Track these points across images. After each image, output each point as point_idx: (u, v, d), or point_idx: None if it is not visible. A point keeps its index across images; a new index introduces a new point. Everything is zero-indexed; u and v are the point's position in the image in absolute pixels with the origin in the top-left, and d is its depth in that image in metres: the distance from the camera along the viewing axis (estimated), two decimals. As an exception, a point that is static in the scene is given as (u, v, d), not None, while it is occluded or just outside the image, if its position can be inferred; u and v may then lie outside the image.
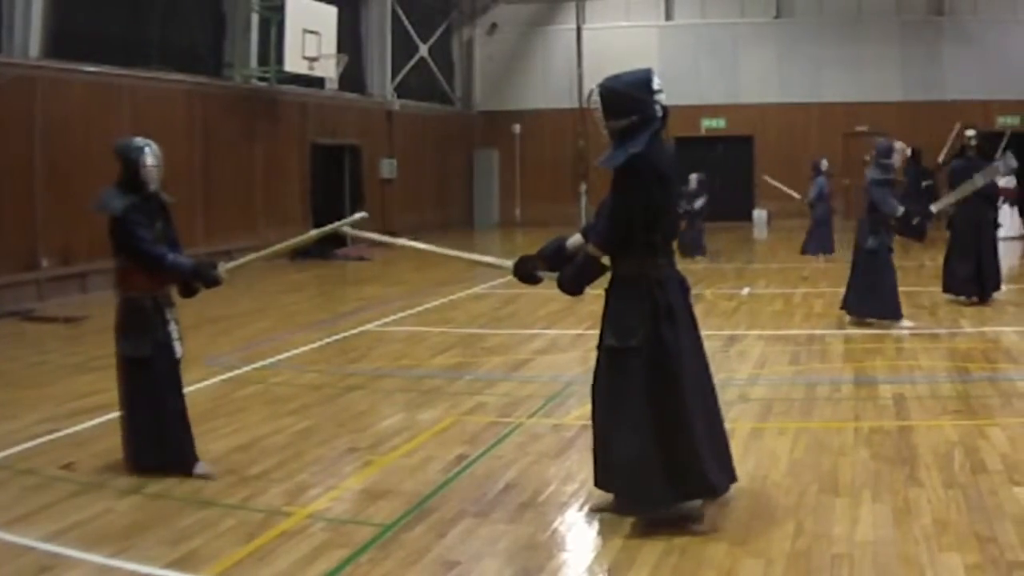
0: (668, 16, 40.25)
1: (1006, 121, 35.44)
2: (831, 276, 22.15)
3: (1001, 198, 28.95)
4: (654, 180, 7.17)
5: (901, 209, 15.02)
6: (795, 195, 26.87)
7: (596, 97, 7.36)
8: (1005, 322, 15.57)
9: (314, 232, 9.65)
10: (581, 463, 8.95)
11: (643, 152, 7.09)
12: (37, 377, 13.39)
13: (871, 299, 15.45)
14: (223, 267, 9.12)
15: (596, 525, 7.50)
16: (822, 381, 12.00)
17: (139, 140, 9.07)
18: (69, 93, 21.32)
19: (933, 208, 15.72)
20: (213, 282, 9.13)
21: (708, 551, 6.87)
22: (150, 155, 8.94)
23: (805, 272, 22.92)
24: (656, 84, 7.22)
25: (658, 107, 7.21)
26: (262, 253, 9.55)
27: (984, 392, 11.20)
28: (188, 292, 9.34)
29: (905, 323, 15.38)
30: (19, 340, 16.47)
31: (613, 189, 7.31)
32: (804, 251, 25.89)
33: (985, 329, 15.07)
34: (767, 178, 27.98)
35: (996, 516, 7.28)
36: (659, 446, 7.14)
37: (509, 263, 7.77)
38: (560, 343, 14.98)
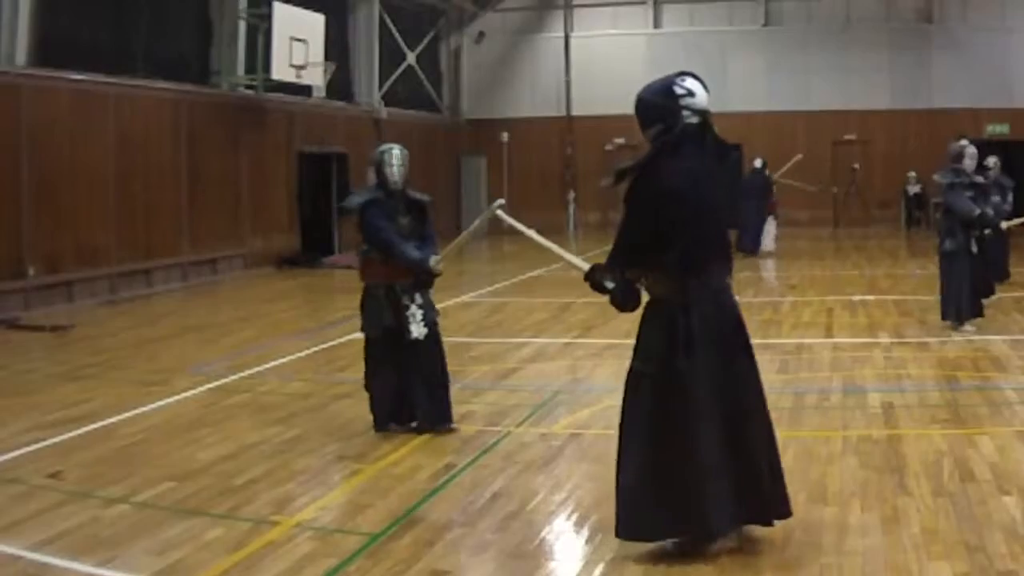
0: (656, 24, 40.27)
1: (995, 129, 35.55)
2: (819, 285, 22.22)
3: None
4: (658, 198, 6.82)
5: (977, 210, 15.06)
6: None
7: None
8: (994, 331, 15.54)
9: (476, 222, 10.30)
10: (569, 472, 8.99)
11: (644, 167, 6.93)
12: (24, 386, 13.35)
13: (942, 301, 15.67)
14: (434, 260, 10.06)
15: (584, 535, 7.47)
16: (811, 390, 11.97)
17: (385, 144, 10.56)
18: (55, 101, 21.25)
19: (1004, 225, 15.86)
20: (428, 274, 10.18)
21: (696, 561, 6.84)
22: (393, 157, 10.35)
23: (793, 281, 22.92)
24: (681, 89, 6.93)
25: (686, 112, 6.91)
26: (458, 240, 10.39)
27: (973, 401, 11.18)
28: (420, 282, 10.25)
29: (967, 327, 15.43)
30: (5, 349, 16.41)
31: (623, 203, 7.04)
32: None
33: (974, 338, 15.02)
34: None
35: (985, 525, 7.26)
36: (659, 477, 6.88)
37: (586, 266, 7.33)
38: (548, 352, 14.95)
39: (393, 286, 10.16)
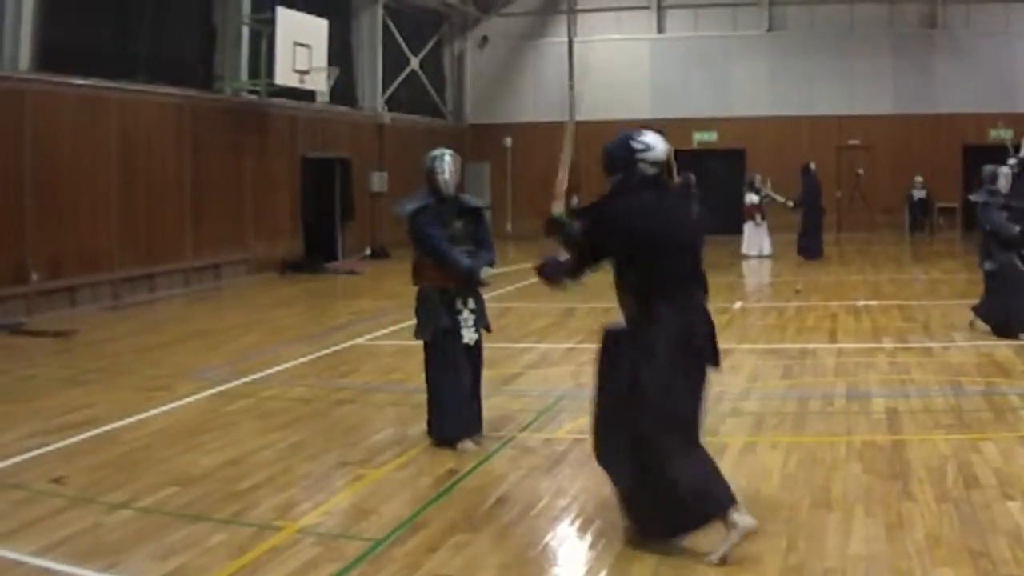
0: (660, 29, 40.18)
1: (999, 134, 35.47)
2: (823, 290, 22.18)
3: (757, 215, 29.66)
4: (610, 236, 7.39)
5: (1016, 228, 15.10)
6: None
7: None
8: (998, 336, 15.50)
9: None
10: (573, 477, 9.00)
11: (600, 210, 7.55)
12: (27, 391, 13.31)
13: (1000, 312, 15.65)
14: (486, 273, 10.20)
15: (588, 540, 7.47)
16: (814, 395, 11.99)
17: (436, 151, 10.41)
18: (58, 106, 21.24)
19: None
20: (477, 283, 10.31)
21: (700, 566, 6.84)
22: (444, 164, 10.23)
23: (798, 286, 22.88)
24: (639, 144, 7.48)
25: (644, 165, 7.45)
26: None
27: (977, 406, 11.19)
28: (468, 286, 10.30)
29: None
30: (8, 354, 16.35)
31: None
32: None
33: (978, 343, 15.04)
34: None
35: (989, 531, 7.26)
36: (649, 482, 7.24)
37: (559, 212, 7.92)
38: (551, 357, 14.94)
39: (448, 290, 10.16)
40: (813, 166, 30.82)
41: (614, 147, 7.60)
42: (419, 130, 36.90)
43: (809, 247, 29.61)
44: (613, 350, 7.55)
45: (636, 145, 7.49)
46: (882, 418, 10.78)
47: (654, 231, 7.37)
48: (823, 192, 31.21)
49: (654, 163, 7.47)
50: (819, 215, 30.31)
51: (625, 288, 7.49)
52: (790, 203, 30.28)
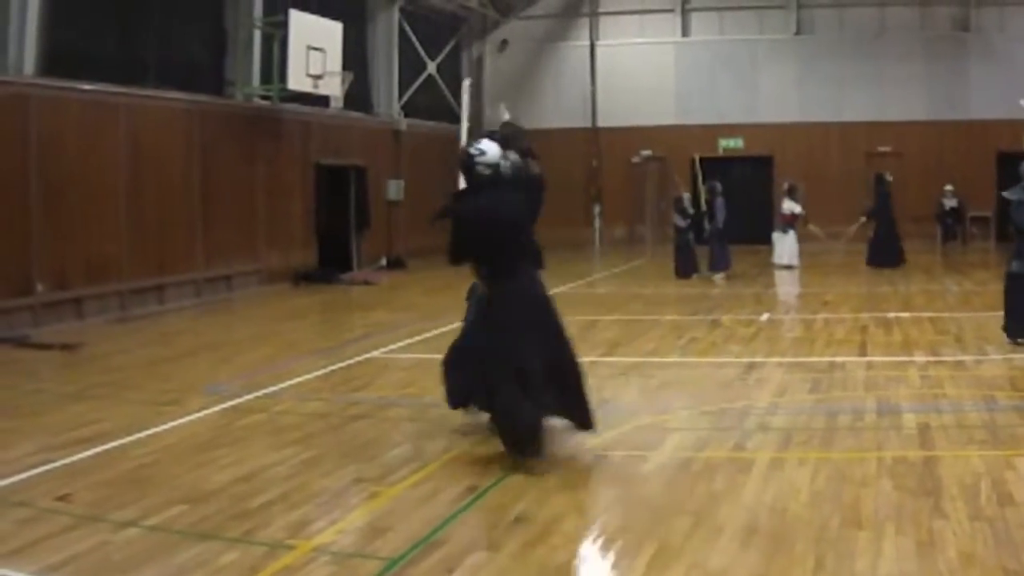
0: (685, 32, 39.95)
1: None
2: (853, 302, 22.00)
3: (783, 224, 29.42)
4: (463, 223, 9.93)
5: None
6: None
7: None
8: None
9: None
10: (594, 495, 9.00)
11: (455, 205, 10.18)
12: (32, 406, 13.20)
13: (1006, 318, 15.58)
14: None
15: (610, 559, 7.34)
16: (844, 410, 11.80)
17: None
18: (65, 111, 21.08)
19: None
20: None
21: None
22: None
23: (827, 297, 22.71)
24: (475, 151, 9.80)
25: (480, 168, 9.81)
26: None
27: (1012, 421, 11.00)
28: None
29: None
30: (13, 368, 16.31)
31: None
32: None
33: (1013, 356, 14.84)
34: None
35: (1023, 549, 7.11)
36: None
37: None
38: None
39: None
40: (889, 176, 30.53)
41: (460, 156, 10.03)
42: (436, 136, 36.72)
43: (885, 257, 29.27)
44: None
45: (473, 152, 9.81)
46: (913, 433, 10.61)
47: (488, 220, 9.69)
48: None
49: (488, 165, 9.76)
50: (892, 224, 29.94)
51: (479, 269, 9.96)
52: (863, 218, 30.08)
